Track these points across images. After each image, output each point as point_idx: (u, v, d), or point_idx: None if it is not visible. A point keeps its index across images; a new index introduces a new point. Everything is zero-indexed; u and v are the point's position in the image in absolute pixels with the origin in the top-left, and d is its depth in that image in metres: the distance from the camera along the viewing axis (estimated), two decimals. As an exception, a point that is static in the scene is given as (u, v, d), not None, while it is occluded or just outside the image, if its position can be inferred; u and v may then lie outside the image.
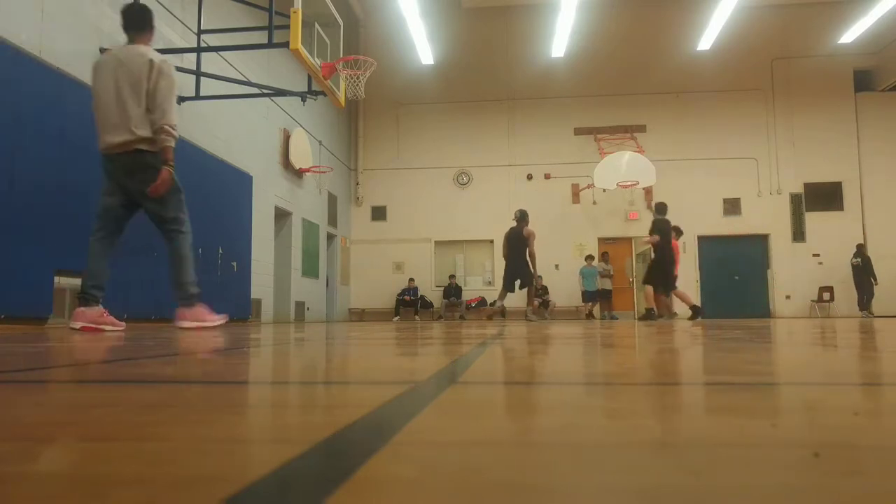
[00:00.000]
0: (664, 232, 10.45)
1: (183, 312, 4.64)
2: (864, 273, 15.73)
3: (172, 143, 4.52)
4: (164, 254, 6.04)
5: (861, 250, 15.96)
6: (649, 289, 10.62)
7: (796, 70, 17.14)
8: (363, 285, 17.46)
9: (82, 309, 4.53)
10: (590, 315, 15.86)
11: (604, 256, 16.72)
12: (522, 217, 10.50)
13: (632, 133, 17.01)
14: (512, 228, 10.60)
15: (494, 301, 11.37)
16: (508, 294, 10.77)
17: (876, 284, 15.67)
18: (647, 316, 10.45)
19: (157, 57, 4.58)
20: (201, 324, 4.65)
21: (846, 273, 16.20)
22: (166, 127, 4.47)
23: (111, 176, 4.57)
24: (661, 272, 10.53)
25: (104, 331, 4.49)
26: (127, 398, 1.02)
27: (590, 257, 16.42)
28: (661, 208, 10.77)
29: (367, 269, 17.44)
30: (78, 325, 4.48)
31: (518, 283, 10.45)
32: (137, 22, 4.78)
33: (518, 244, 10.44)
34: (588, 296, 16.16)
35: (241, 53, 10.13)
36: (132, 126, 4.43)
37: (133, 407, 0.91)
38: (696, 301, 12.89)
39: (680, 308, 11.28)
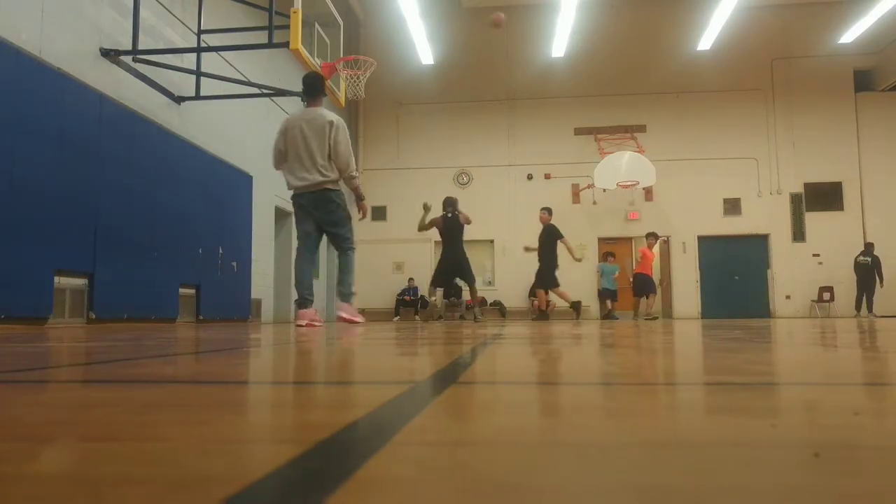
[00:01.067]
0: (557, 236, 11.15)
1: (342, 305, 5.99)
2: (870, 272, 15.56)
3: (359, 183, 5.95)
4: (166, 255, 5.99)
5: (870, 249, 15.77)
6: (540, 292, 11.28)
7: (796, 70, 17.14)
8: (363, 285, 17.43)
9: (302, 311, 5.84)
10: (608, 315, 14.88)
11: (605, 257, 16.72)
12: (455, 203, 9.77)
13: (632, 133, 17.01)
14: (447, 217, 9.64)
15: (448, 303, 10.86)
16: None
17: (881, 286, 15.52)
18: (541, 317, 11.19)
19: (334, 117, 5.80)
20: (352, 318, 5.87)
21: (846, 273, 16.16)
22: (352, 173, 5.80)
23: (304, 209, 5.90)
24: (547, 273, 11.16)
25: (318, 326, 5.72)
26: (127, 398, 1.02)
27: (609, 254, 15.91)
28: (550, 211, 11.56)
29: (367, 269, 17.43)
30: (303, 322, 5.73)
31: (457, 280, 9.84)
32: (315, 89, 6.05)
33: (460, 234, 9.69)
34: (607, 294, 15.52)
35: (241, 53, 10.13)
36: (320, 170, 5.70)
37: (133, 407, 0.91)
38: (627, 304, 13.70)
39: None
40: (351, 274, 6.03)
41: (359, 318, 6.02)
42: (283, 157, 5.90)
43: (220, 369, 1.58)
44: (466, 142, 17.42)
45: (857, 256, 15.81)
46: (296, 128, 5.76)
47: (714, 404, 0.96)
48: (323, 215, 5.87)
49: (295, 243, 13.48)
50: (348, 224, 6.01)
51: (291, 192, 5.96)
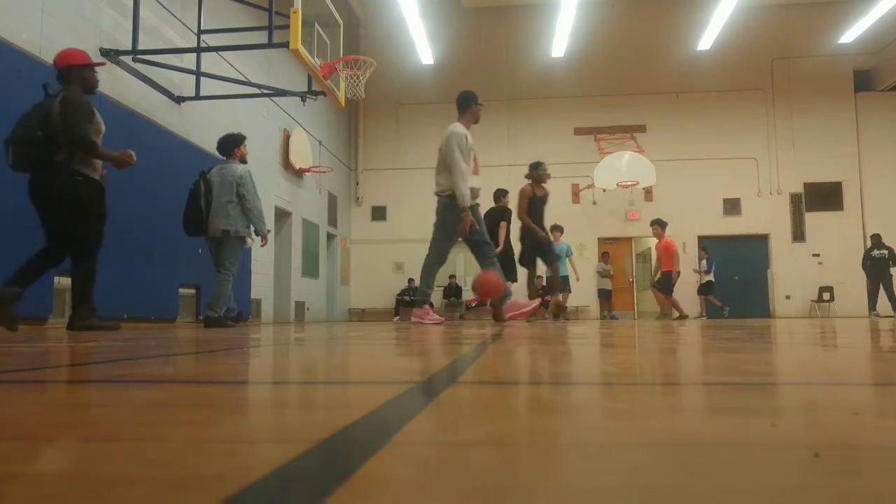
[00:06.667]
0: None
1: (414, 311, 6.64)
2: (885, 266, 14.19)
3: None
4: (166, 255, 5.96)
5: (879, 241, 14.55)
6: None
7: (796, 70, 17.14)
8: (363, 285, 17.45)
9: (415, 310, 6.65)
10: (560, 311, 12.16)
11: (604, 256, 16.71)
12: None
13: (632, 133, 17.01)
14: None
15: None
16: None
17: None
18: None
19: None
20: (422, 321, 6.42)
21: (847, 273, 16.12)
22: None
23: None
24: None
25: (427, 324, 6.36)
26: (127, 398, 1.02)
27: (556, 227, 11.82)
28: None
29: (367, 269, 17.43)
30: (414, 319, 6.51)
31: None
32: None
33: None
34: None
35: (241, 53, 10.13)
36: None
37: (133, 407, 0.91)
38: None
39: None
40: (425, 280, 6.85)
41: (430, 319, 6.48)
42: None
43: (219, 369, 1.58)
44: (466, 142, 17.39)
45: (869, 251, 14.68)
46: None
47: (714, 404, 0.95)
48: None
49: (294, 242, 13.57)
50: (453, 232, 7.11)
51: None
